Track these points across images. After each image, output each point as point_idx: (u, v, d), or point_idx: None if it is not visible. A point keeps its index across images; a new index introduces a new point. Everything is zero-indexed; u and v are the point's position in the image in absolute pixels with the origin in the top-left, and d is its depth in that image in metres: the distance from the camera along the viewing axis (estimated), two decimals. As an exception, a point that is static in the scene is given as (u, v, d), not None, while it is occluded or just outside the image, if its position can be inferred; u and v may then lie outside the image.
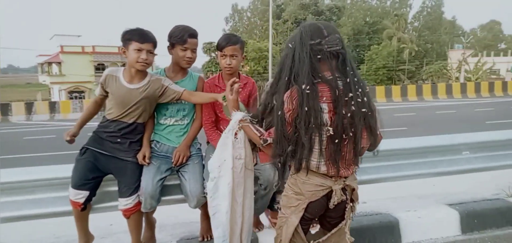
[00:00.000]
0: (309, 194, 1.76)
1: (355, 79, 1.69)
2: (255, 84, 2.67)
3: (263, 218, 2.95)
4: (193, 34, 2.46)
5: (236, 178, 1.99)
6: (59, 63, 41.26)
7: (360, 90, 1.69)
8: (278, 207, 2.91)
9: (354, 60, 1.79)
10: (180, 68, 2.55)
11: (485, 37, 72.59)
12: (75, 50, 41.60)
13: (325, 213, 1.85)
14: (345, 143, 1.69)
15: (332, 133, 1.64)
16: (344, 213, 1.87)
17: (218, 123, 2.60)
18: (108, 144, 2.36)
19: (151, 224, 2.69)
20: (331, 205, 1.79)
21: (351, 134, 1.67)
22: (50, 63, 42.49)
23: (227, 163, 1.96)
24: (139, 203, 2.36)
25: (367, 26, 54.20)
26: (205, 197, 2.41)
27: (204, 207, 2.64)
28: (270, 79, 2.79)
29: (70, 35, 44.95)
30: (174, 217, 3.15)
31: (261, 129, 1.88)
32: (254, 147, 2.07)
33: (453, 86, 23.59)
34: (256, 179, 2.42)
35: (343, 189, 1.79)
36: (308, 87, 1.61)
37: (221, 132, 2.56)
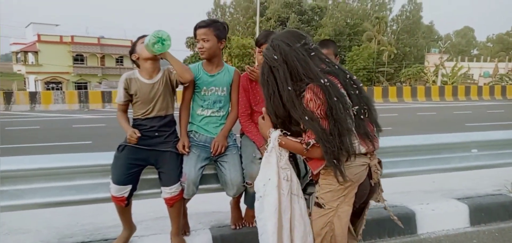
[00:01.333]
0: (357, 177, 1.76)
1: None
2: None
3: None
4: (200, 25, 2.52)
5: (283, 201, 1.87)
6: (36, 52, 40.00)
7: (347, 69, 1.85)
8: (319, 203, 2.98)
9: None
10: (210, 62, 2.61)
11: (460, 43, 75.25)
12: (53, 39, 40.47)
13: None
14: (366, 116, 1.80)
15: (356, 111, 1.74)
16: (376, 188, 1.91)
17: (252, 114, 2.67)
18: (146, 139, 2.40)
19: (185, 212, 2.75)
20: (374, 181, 1.83)
21: (365, 107, 1.80)
22: (26, 52, 41.12)
23: (272, 181, 1.86)
24: (182, 190, 2.43)
25: (348, 27, 54.90)
26: (244, 186, 2.50)
27: (237, 197, 2.73)
28: None
29: (47, 24, 43.76)
30: (195, 208, 3.20)
31: (296, 138, 1.81)
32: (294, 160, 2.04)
33: (431, 89, 24.38)
34: None
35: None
36: (326, 80, 1.69)
37: (256, 124, 2.66)
